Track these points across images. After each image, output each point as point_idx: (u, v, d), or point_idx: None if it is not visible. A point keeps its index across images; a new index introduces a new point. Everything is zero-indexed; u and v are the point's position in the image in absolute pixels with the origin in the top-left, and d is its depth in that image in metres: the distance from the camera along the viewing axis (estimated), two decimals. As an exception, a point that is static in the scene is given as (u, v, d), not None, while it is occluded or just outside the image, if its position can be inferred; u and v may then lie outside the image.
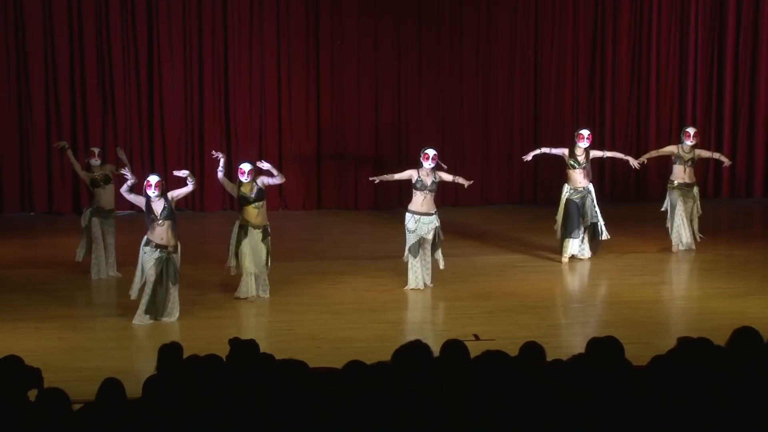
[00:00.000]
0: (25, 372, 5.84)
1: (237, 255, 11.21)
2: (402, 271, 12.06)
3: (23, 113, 15.96)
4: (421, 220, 11.66)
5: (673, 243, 13.18)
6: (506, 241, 13.97)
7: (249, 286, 11.25)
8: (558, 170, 16.97)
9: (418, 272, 11.64)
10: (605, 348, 5.84)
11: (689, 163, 13.22)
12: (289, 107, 16.41)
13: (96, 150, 12.40)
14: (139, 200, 10.68)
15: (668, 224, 13.30)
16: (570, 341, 9.65)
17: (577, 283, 12.40)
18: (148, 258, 10.49)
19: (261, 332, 10.04)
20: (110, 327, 10.50)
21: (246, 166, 11.31)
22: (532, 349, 6.23)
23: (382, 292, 11.67)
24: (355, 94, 16.53)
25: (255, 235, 11.21)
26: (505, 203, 16.93)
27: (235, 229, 11.26)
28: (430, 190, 11.67)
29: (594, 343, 5.95)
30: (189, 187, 10.95)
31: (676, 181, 13.28)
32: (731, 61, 17.01)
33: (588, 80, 16.95)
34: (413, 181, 11.68)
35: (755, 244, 13.91)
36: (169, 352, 6.69)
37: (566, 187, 12.90)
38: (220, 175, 11.44)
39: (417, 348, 5.83)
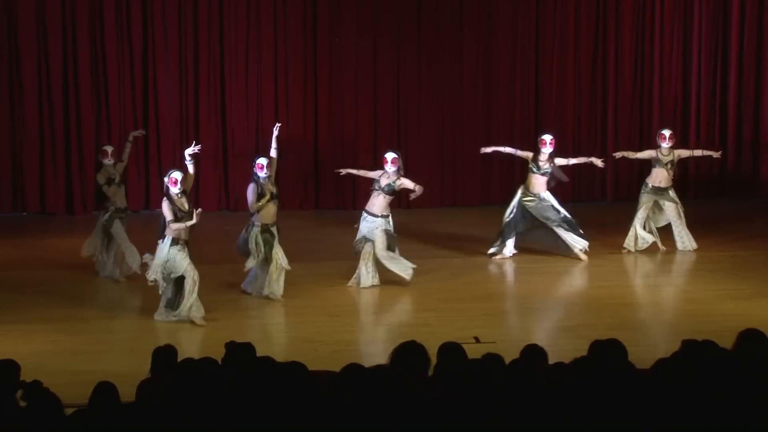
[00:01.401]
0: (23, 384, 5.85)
1: (264, 256, 11.16)
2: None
3: (15, 112, 15.91)
4: (366, 218, 11.64)
5: (627, 243, 13.18)
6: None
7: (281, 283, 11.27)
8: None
9: (362, 271, 11.63)
10: (608, 351, 5.83)
11: (669, 166, 13.20)
12: (287, 106, 16.39)
13: (109, 149, 12.14)
14: (164, 207, 10.43)
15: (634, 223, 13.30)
16: (572, 344, 9.63)
17: (580, 285, 12.39)
18: (182, 257, 10.36)
19: (257, 335, 10.01)
20: (103, 329, 10.49)
21: (263, 160, 11.24)
22: (534, 352, 6.22)
23: (380, 294, 11.66)
24: (353, 92, 16.51)
25: (275, 235, 11.23)
26: (505, 203, 16.86)
27: (256, 235, 11.14)
28: (385, 192, 11.62)
29: (596, 346, 5.94)
30: (190, 170, 10.73)
31: (650, 184, 13.27)
32: (735, 59, 16.99)
33: (590, 80, 16.93)
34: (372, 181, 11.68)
35: (759, 244, 13.88)
36: (164, 355, 6.68)
37: (521, 189, 12.97)
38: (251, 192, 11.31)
39: (413, 349, 5.82)
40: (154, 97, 16.12)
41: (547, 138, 12.96)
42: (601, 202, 16.91)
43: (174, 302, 10.52)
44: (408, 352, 5.78)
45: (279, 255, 11.20)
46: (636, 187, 16.99)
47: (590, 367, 5.55)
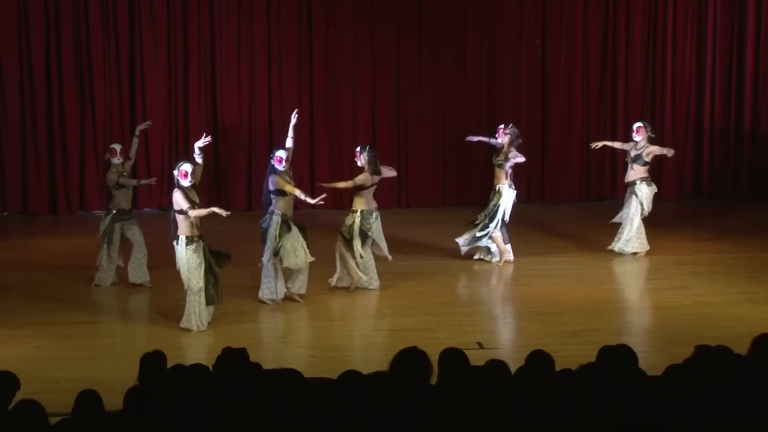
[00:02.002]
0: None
1: (278, 251, 11.11)
2: (402, 276, 12.08)
3: (-5, 107, 15.93)
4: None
5: (641, 248, 13.19)
6: (511, 242, 13.93)
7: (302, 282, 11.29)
8: (567, 168, 17.00)
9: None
10: (617, 357, 5.84)
11: (635, 161, 13.16)
12: (281, 101, 16.39)
13: (118, 147, 11.91)
14: (178, 197, 10.29)
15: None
16: (580, 350, 9.64)
17: (587, 288, 12.38)
18: (197, 257, 10.28)
19: (250, 340, 10.01)
20: (89, 335, 10.48)
21: (283, 153, 11.19)
22: (540, 359, 6.23)
23: (379, 297, 11.67)
24: (350, 86, 16.51)
25: (294, 227, 11.20)
26: (510, 202, 16.88)
27: (277, 224, 11.12)
28: None
29: (605, 352, 5.94)
30: (199, 162, 10.65)
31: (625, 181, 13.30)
32: (752, 49, 16.98)
33: (599, 72, 16.93)
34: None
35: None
36: (152, 361, 6.68)
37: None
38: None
39: (414, 356, 5.83)
40: (142, 91, 16.11)
41: (501, 128, 12.93)
42: (611, 201, 16.90)
43: (216, 296, 10.46)
44: (409, 359, 5.79)
45: (300, 251, 11.20)
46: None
47: (599, 373, 5.56)
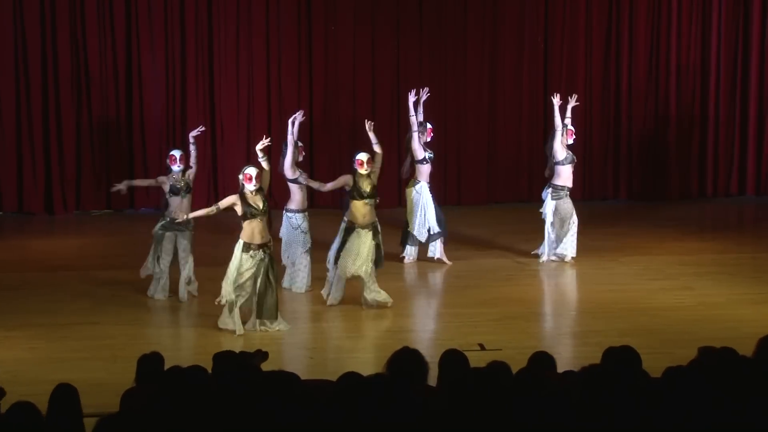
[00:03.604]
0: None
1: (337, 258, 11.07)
2: (402, 277, 12.07)
3: (-9, 105, 15.92)
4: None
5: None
6: (513, 243, 13.94)
7: (336, 291, 11.18)
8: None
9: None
10: (621, 358, 5.84)
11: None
12: (279, 99, 16.39)
13: (177, 154, 11.57)
14: (229, 200, 10.31)
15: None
16: (583, 351, 9.64)
17: (590, 289, 12.38)
18: (250, 264, 10.19)
19: (248, 342, 10.01)
20: (85, 336, 10.48)
21: (364, 156, 11.11)
22: (542, 360, 6.23)
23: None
24: (350, 84, 16.51)
25: (363, 236, 11.03)
26: (512, 202, 16.90)
27: (341, 231, 11.10)
28: None
29: (609, 353, 5.94)
30: (265, 166, 10.55)
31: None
32: (757, 45, 16.98)
33: (602, 71, 16.92)
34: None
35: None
36: (149, 362, 6.68)
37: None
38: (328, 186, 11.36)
39: (408, 356, 5.84)
40: (139, 89, 16.11)
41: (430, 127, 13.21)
42: (613, 201, 16.91)
43: (273, 310, 10.32)
44: (403, 360, 5.79)
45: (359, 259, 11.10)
46: (650, 186, 17.07)
47: (602, 375, 5.56)
